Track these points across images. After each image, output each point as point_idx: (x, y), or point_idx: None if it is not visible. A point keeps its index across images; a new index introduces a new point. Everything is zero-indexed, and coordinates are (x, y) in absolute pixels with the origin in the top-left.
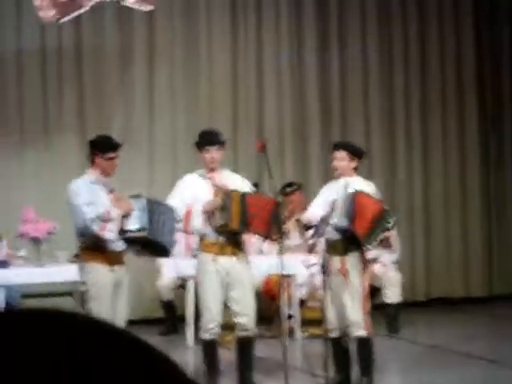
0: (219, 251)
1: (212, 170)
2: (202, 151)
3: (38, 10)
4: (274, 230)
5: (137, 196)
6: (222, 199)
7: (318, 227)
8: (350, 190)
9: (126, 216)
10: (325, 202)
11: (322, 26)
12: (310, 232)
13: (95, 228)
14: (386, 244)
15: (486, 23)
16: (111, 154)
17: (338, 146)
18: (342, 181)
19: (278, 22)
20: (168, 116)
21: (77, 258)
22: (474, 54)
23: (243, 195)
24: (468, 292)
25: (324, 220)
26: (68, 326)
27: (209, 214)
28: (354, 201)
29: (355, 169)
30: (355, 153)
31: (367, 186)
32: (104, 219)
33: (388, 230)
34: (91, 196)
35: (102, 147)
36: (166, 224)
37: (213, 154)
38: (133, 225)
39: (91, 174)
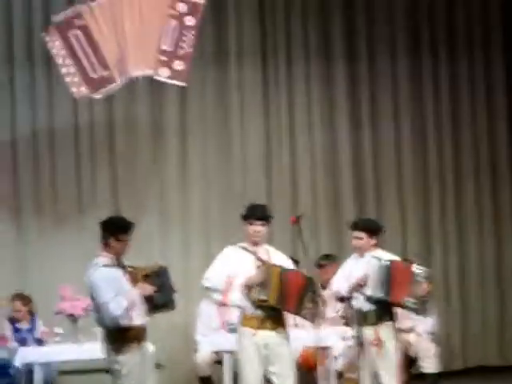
0: (259, 325)
1: (255, 243)
2: (247, 224)
3: (70, 87)
4: (303, 305)
5: (155, 271)
6: (262, 274)
7: (344, 297)
8: (384, 262)
9: (148, 298)
10: (349, 274)
11: (353, 104)
12: (339, 304)
13: (124, 322)
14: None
15: None
16: (125, 237)
17: (355, 226)
18: (367, 255)
19: (310, 99)
20: (201, 191)
21: (104, 339)
22: (507, 127)
23: (283, 271)
24: (504, 361)
25: (351, 291)
26: None
27: (248, 288)
28: (391, 271)
29: (375, 245)
30: (373, 230)
31: (392, 256)
32: (129, 308)
33: (419, 283)
34: (115, 285)
35: (115, 229)
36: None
37: (258, 227)
38: (156, 302)
39: (104, 257)
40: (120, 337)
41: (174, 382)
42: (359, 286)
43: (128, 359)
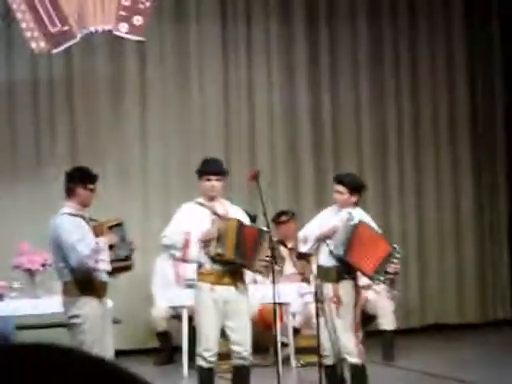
0: (216, 280)
1: (211, 198)
2: (202, 179)
3: (29, 42)
4: (256, 260)
5: (117, 225)
6: (218, 228)
7: (304, 254)
8: (353, 221)
9: (111, 247)
10: (322, 224)
11: (313, 63)
12: (306, 260)
13: (91, 263)
14: (391, 285)
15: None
16: (91, 185)
17: (338, 180)
18: (344, 211)
19: (269, 55)
20: (160, 147)
21: (63, 292)
22: (466, 82)
23: (240, 225)
24: (462, 318)
25: (318, 239)
26: (64, 361)
27: (206, 243)
28: (355, 232)
29: (356, 203)
30: (356, 187)
31: (367, 218)
32: (95, 251)
33: (393, 262)
34: (80, 230)
35: (82, 178)
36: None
37: (213, 182)
38: (118, 254)
39: (70, 207)
40: (81, 290)
41: (131, 337)
42: (326, 237)
43: (89, 313)
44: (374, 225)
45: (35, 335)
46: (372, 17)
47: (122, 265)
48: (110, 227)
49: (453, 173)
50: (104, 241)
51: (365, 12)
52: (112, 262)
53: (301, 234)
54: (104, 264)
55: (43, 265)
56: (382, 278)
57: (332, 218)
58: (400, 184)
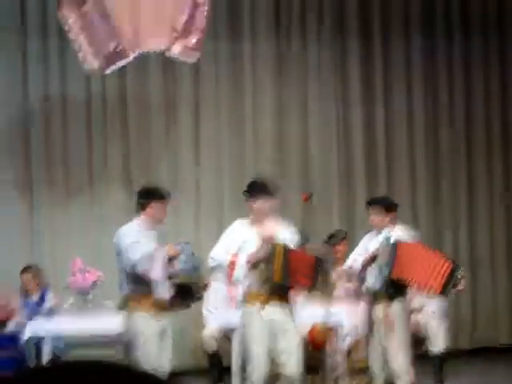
0: (264, 302)
1: (260, 220)
2: (251, 200)
3: (83, 61)
4: (315, 285)
5: (184, 243)
6: (266, 251)
7: (360, 274)
8: (389, 242)
9: (172, 259)
10: (365, 251)
11: (366, 79)
12: (355, 282)
13: (141, 267)
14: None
15: None
16: (165, 201)
17: (371, 202)
18: (383, 232)
19: (323, 73)
20: (214, 167)
21: (122, 307)
22: None
23: (286, 250)
24: None
25: (364, 266)
26: (113, 377)
27: (253, 265)
28: (396, 251)
29: (391, 221)
30: (388, 206)
31: (407, 232)
32: (151, 258)
33: (459, 281)
34: (138, 236)
35: (157, 194)
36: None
37: (262, 204)
38: (180, 268)
39: (140, 220)
40: (138, 305)
41: (182, 357)
42: (370, 261)
43: (144, 329)
44: (417, 239)
45: (86, 353)
46: (426, 31)
47: (181, 282)
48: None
49: (506, 190)
50: (162, 251)
51: (418, 25)
52: (171, 277)
53: (346, 266)
54: (156, 273)
55: (95, 282)
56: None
57: (372, 242)
58: (453, 203)
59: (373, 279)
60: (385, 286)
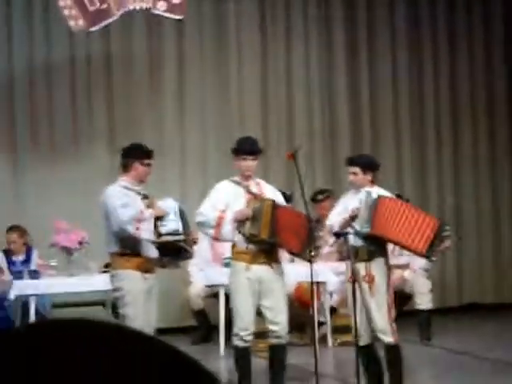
0: (251, 260)
1: (247, 178)
2: (238, 159)
3: (67, 20)
4: (308, 247)
5: (172, 200)
6: (253, 208)
7: (339, 233)
8: (371, 197)
9: (160, 218)
10: (344, 209)
11: (351, 39)
12: (332, 239)
13: (130, 228)
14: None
15: None
16: (148, 161)
17: (350, 161)
18: (363, 191)
19: (308, 35)
20: (198, 124)
21: (109, 265)
22: (505, 66)
23: (275, 206)
24: (499, 299)
25: (342, 227)
26: (103, 334)
27: (240, 223)
28: (377, 206)
29: (372, 181)
30: (368, 166)
31: (387, 194)
32: (138, 219)
33: (444, 240)
34: (125, 198)
35: (140, 154)
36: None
37: (249, 162)
38: (168, 227)
39: (124, 181)
40: (126, 263)
41: (168, 315)
42: (351, 220)
43: (132, 287)
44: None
45: (72, 313)
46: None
47: (170, 239)
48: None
49: (490, 155)
50: (150, 211)
51: None
52: (160, 235)
53: (327, 224)
54: (147, 233)
55: (80, 243)
56: (434, 255)
57: (352, 201)
58: (438, 165)
59: (353, 237)
60: (366, 243)
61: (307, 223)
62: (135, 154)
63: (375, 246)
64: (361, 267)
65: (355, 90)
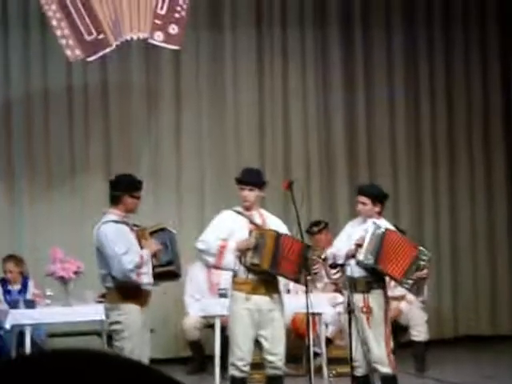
0: (252, 290)
1: (248, 208)
2: (238, 189)
3: (64, 49)
4: (303, 273)
5: (160, 230)
6: (255, 238)
7: (343, 263)
8: (380, 230)
9: (154, 255)
10: (349, 239)
11: (347, 68)
12: (333, 270)
13: (134, 276)
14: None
15: None
16: (137, 193)
17: (360, 191)
18: (369, 221)
19: (304, 63)
20: (195, 155)
21: (106, 297)
22: (501, 89)
23: (277, 237)
24: (495, 330)
25: (348, 256)
26: (101, 365)
27: (242, 252)
28: (383, 239)
29: (379, 212)
30: (378, 197)
31: (391, 227)
32: (139, 266)
33: (421, 268)
34: (124, 241)
35: (129, 186)
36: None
37: (246, 192)
38: (162, 260)
39: (114, 214)
40: (124, 297)
41: (164, 345)
42: (356, 248)
43: (130, 321)
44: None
45: (67, 343)
46: (407, 20)
47: (164, 270)
48: (152, 233)
49: (487, 181)
50: (147, 253)
51: (399, 12)
52: (154, 267)
53: (329, 253)
54: (147, 277)
55: (76, 272)
56: (410, 282)
57: (357, 230)
58: (434, 191)
59: (352, 267)
60: (365, 274)
61: (304, 250)
62: (124, 187)
63: (374, 277)
64: (359, 298)
65: (351, 113)
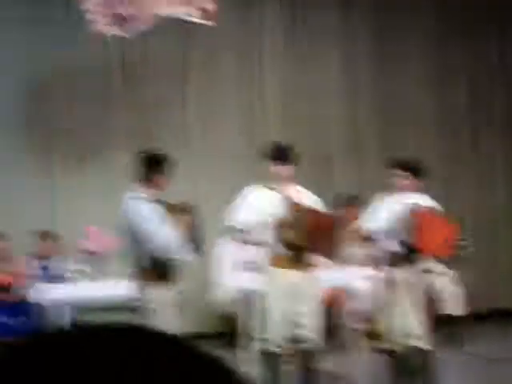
0: (287, 265)
1: (283, 184)
2: (273, 164)
3: (95, 27)
4: (334, 249)
5: (188, 209)
6: (292, 214)
7: (383, 240)
8: (415, 206)
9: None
10: (388, 215)
11: (376, 41)
12: (374, 245)
13: (170, 253)
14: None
15: None
16: (169, 170)
17: (397, 164)
18: (405, 197)
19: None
20: (225, 129)
21: (135, 275)
22: None
23: (314, 212)
24: None
25: (388, 234)
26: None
27: (278, 229)
28: (418, 217)
29: (417, 187)
30: (416, 172)
31: (429, 201)
32: (175, 242)
33: (462, 249)
34: (159, 219)
35: (159, 164)
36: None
37: (280, 168)
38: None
39: (145, 193)
40: (153, 274)
41: (197, 320)
42: (396, 229)
43: (159, 298)
44: (438, 208)
45: (102, 318)
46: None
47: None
48: (183, 210)
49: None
50: (181, 230)
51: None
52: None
53: (371, 227)
54: (183, 254)
55: (109, 248)
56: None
57: (395, 206)
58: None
59: (391, 243)
60: (404, 250)
61: (331, 226)
62: (155, 165)
63: (412, 253)
64: (397, 273)
65: (381, 90)
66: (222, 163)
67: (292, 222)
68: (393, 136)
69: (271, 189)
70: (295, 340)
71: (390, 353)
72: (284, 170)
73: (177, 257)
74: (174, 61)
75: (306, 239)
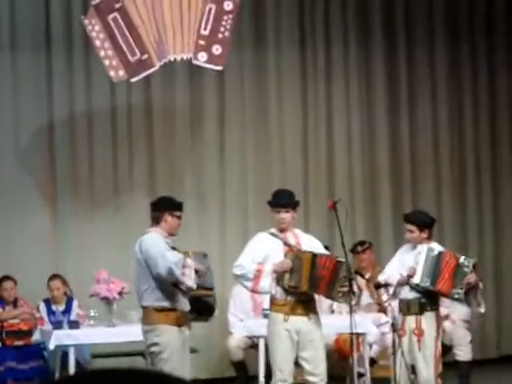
0: (290, 311)
1: (283, 230)
2: (273, 211)
3: (108, 70)
4: (336, 290)
5: (203, 254)
6: (292, 260)
7: (396, 289)
8: (434, 252)
9: (197, 272)
10: (400, 264)
11: (391, 89)
12: (385, 294)
13: (178, 272)
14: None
15: None
16: (179, 213)
17: (406, 219)
18: (420, 246)
19: (348, 83)
20: (238, 175)
21: (143, 318)
22: None
23: (314, 257)
24: None
25: (400, 283)
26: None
27: (279, 275)
28: (440, 261)
29: (429, 237)
30: (424, 224)
31: (439, 248)
32: (183, 265)
33: (466, 273)
34: (166, 246)
35: (170, 206)
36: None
37: (282, 215)
38: (203, 281)
39: (156, 233)
40: (161, 317)
41: (207, 366)
42: (409, 277)
43: (169, 342)
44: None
45: (111, 364)
46: (450, 42)
47: (204, 293)
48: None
49: None
50: (190, 261)
51: (442, 35)
52: (198, 287)
53: (381, 279)
54: (190, 280)
55: (120, 293)
56: (460, 292)
57: (410, 256)
58: (479, 212)
59: (406, 290)
60: (419, 296)
61: (336, 267)
62: (166, 207)
63: (428, 298)
64: (411, 320)
65: (395, 134)
66: (239, 209)
67: (293, 268)
68: (407, 183)
69: (274, 235)
70: None
71: None
72: (286, 215)
73: (177, 277)
74: (185, 106)
75: (311, 284)
